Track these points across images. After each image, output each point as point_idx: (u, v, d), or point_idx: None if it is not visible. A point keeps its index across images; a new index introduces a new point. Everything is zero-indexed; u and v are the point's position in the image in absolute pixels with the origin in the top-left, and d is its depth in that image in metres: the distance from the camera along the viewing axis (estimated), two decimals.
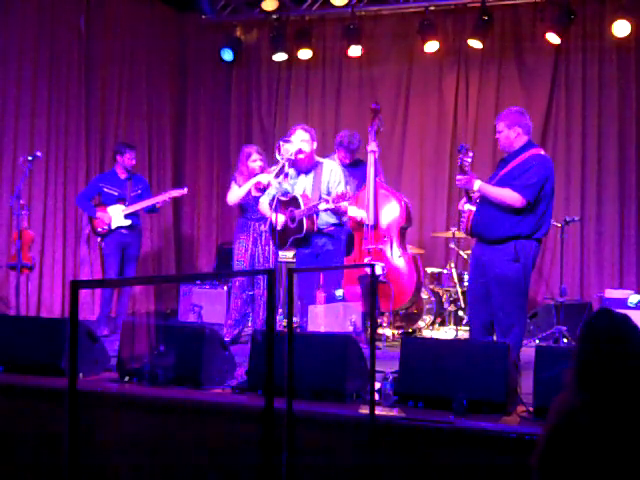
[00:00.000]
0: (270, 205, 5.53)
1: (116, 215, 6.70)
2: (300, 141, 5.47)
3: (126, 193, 6.81)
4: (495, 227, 4.72)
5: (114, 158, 6.99)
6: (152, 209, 6.93)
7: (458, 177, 4.83)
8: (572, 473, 2.06)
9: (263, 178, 5.91)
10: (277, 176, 5.50)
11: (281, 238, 5.48)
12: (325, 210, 5.38)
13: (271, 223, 5.49)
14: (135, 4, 8.30)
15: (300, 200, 5.43)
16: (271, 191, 5.65)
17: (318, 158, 5.71)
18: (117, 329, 6.29)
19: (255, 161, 6.17)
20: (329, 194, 5.46)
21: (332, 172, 5.57)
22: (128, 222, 6.74)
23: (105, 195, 6.80)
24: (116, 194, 6.77)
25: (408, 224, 6.20)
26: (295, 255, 5.85)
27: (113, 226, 6.69)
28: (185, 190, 6.93)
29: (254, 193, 6.01)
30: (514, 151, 4.81)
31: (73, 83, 7.54)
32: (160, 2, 8.51)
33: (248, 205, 6.16)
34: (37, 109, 7.20)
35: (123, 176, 6.87)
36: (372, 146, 6.07)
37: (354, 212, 5.91)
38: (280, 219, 5.44)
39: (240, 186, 6.11)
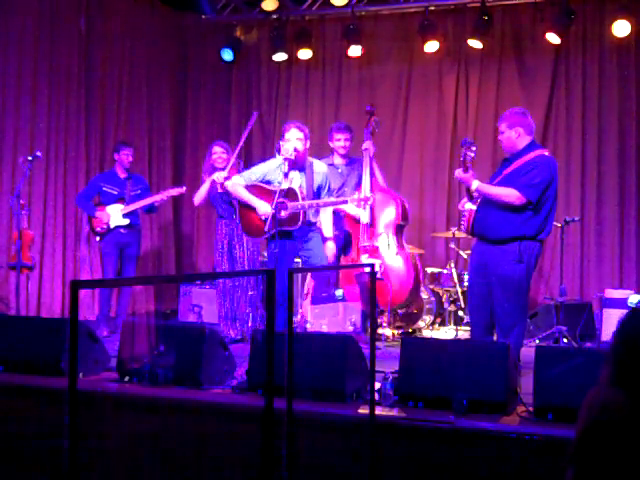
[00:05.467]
0: (259, 194, 5.48)
1: (115, 214, 6.69)
2: (295, 139, 5.48)
3: (126, 192, 6.81)
4: (499, 227, 4.71)
5: (113, 158, 7.00)
6: (151, 209, 6.93)
7: (458, 170, 4.83)
8: (607, 469, 2.04)
9: (216, 175, 5.96)
10: (286, 176, 5.47)
11: (262, 228, 5.40)
12: (338, 210, 5.44)
13: (271, 220, 5.44)
14: (135, 4, 8.29)
15: (298, 193, 5.40)
16: (252, 177, 5.56)
17: (309, 158, 5.72)
18: (117, 329, 6.29)
19: (215, 153, 6.23)
20: (319, 195, 5.49)
21: (322, 174, 5.62)
22: (127, 221, 6.73)
23: (104, 194, 6.79)
24: (116, 193, 6.77)
25: (405, 222, 6.21)
26: (270, 248, 5.58)
27: (112, 225, 6.69)
28: (184, 189, 6.94)
29: (219, 189, 6.03)
30: (518, 151, 4.80)
31: (73, 83, 7.53)
32: (160, 2, 8.51)
33: (214, 201, 6.21)
34: (37, 109, 7.19)
35: (123, 176, 6.87)
36: (367, 145, 6.13)
37: (351, 210, 5.92)
38: (266, 207, 5.38)
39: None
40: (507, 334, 4.65)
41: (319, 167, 5.66)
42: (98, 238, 6.79)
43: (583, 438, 2.09)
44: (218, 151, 6.25)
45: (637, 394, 2.07)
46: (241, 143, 6.07)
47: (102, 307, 6.81)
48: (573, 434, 2.08)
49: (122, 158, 6.86)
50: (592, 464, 2.06)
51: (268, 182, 5.52)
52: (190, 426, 3.88)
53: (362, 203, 5.35)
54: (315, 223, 5.60)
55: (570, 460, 2.11)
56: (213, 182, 6.06)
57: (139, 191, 6.90)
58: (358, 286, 5.83)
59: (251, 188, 5.53)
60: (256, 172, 5.61)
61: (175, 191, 6.89)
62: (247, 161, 8.72)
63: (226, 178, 5.89)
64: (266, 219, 5.34)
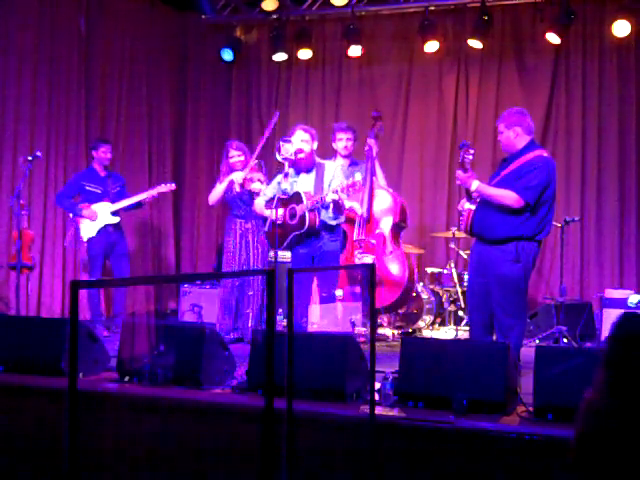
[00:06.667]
0: (268, 205, 5.53)
1: (103, 213, 6.67)
2: (300, 141, 5.48)
3: (109, 190, 6.79)
4: (497, 228, 4.71)
5: (90, 155, 6.97)
6: (137, 205, 6.91)
7: (458, 173, 4.84)
8: (602, 477, 2.04)
9: (235, 176, 5.94)
10: (286, 176, 5.48)
11: (280, 236, 5.43)
12: (332, 201, 5.35)
13: (271, 222, 5.45)
14: (135, 4, 8.29)
15: (303, 195, 5.41)
16: (267, 192, 5.65)
17: (319, 160, 5.70)
18: (117, 329, 6.29)
19: (232, 157, 6.17)
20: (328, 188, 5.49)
21: (332, 170, 5.60)
22: (117, 219, 6.73)
23: (87, 193, 6.73)
24: (99, 192, 6.74)
25: (403, 222, 6.12)
26: (291, 255, 5.73)
27: (101, 224, 6.66)
28: (173, 186, 6.92)
29: (237, 189, 6.02)
30: (517, 151, 4.81)
31: (73, 83, 7.53)
32: (160, 2, 8.51)
33: (232, 202, 6.18)
34: (37, 109, 7.19)
35: (102, 174, 6.84)
36: (370, 142, 6.08)
37: (348, 204, 5.89)
38: (278, 215, 5.40)
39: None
40: (506, 334, 4.65)
41: (330, 167, 5.68)
42: (85, 237, 6.70)
43: (579, 446, 2.09)
44: (235, 155, 6.18)
45: (632, 402, 2.07)
46: (262, 143, 6.05)
47: (94, 308, 6.78)
48: (571, 437, 2.08)
49: (100, 155, 6.81)
50: (589, 472, 2.06)
51: (284, 191, 5.56)
52: (190, 426, 3.88)
53: (350, 190, 5.28)
54: (337, 228, 5.59)
55: (568, 466, 2.11)
56: (230, 182, 6.05)
57: (118, 188, 6.88)
58: (347, 280, 5.79)
59: (270, 203, 5.57)
60: (272, 186, 5.69)
61: (164, 187, 6.85)
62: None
63: (245, 179, 5.92)
64: (271, 229, 5.38)
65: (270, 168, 6.51)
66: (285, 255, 6.76)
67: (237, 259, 6.15)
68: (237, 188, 6.04)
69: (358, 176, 5.57)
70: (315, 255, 5.49)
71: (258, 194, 5.88)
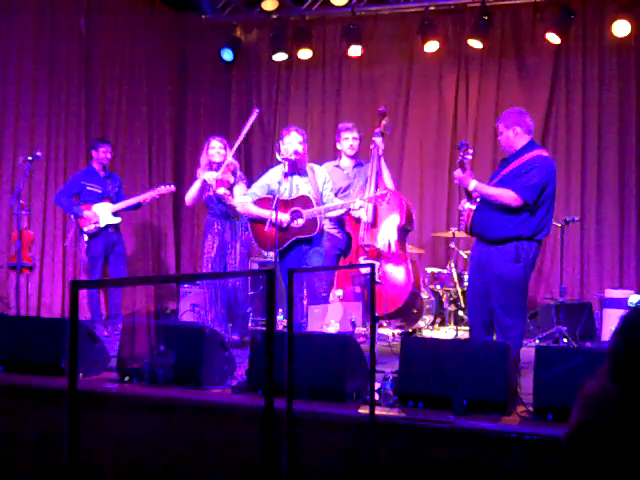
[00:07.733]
0: (262, 205, 5.48)
1: (104, 213, 6.67)
2: (297, 142, 5.49)
3: (109, 191, 6.79)
4: (497, 227, 4.72)
5: (90, 155, 6.96)
6: (137, 205, 6.92)
7: (456, 172, 4.84)
8: (599, 467, 2.03)
9: (207, 176, 5.83)
10: (286, 177, 5.46)
11: (280, 238, 5.36)
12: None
13: (271, 223, 5.38)
14: (135, 4, 8.30)
15: (312, 199, 5.39)
16: (257, 191, 5.57)
17: (309, 164, 5.68)
18: (115, 330, 6.29)
19: (213, 148, 5.96)
20: (322, 198, 5.51)
21: (323, 174, 5.63)
22: (118, 220, 6.72)
23: (88, 193, 6.72)
24: (100, 192, 6.73)
25: (408, 225, 6.02)
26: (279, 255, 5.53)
27: (102, 224, 6.65)
28: (173, 187, 6.90)
29: (214, 188, 5.84)
30: (516, 151, 4.81)
31: (73, 83, 7.54)
32: (160, 2, 8.51)
33: (209, 202, 5.99)
34: (37, 109, 7.19)
35: (102, 174, 6.84)
36: (377, 140, 5.97)
37: (353, 211, 5.87)
38: (281, 216, 5.35)
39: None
40: (506, 334, 4.65)
41: (319, 169, 5.68)
42: (86, 238, 6.68)
43: (577, 433, 2.09)
44: (216, 146, 5.97)
45: (633, 391, 2.07)
46: (239, 140, 5.96)
47: (94, 308, 6.77)
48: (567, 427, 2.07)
49: (100, 155, 6.80)
50: (584, 459, 2.06)
51: (272, 192, 5.49)
52: (190, 426, 3.88)
53: (379, 200, 5.38)
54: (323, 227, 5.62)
55: (563, 454, 2.10)
56: (204, 181, 5.91)
57: (117, 189, 6.88)
58: (352, 287, 5.74)
59: (259, 202, 5.51)
60: (261, 185, 5.60)
61: (165, 189, 6.83)
62: (247, 160, 8.73)
63: (218, 180, 5.79)
64: (282, 226, 5.34)
65: (258, 168, 6.41)
66: (269, 255, 6.70)
67: (215, 260, 6.02)
68: (214, 186, 5.86)
69: (388, 183, 5.62)
70: (305, 253, 5.48)
71: (223, 197, 5.78)
